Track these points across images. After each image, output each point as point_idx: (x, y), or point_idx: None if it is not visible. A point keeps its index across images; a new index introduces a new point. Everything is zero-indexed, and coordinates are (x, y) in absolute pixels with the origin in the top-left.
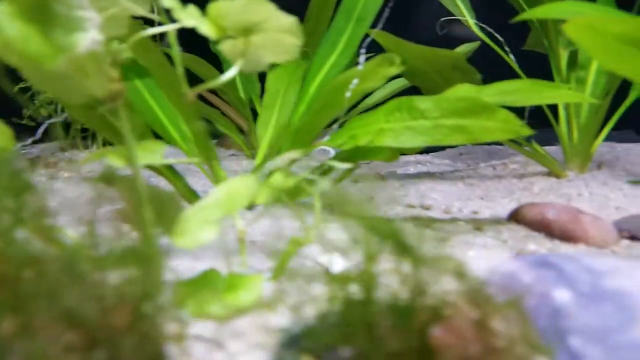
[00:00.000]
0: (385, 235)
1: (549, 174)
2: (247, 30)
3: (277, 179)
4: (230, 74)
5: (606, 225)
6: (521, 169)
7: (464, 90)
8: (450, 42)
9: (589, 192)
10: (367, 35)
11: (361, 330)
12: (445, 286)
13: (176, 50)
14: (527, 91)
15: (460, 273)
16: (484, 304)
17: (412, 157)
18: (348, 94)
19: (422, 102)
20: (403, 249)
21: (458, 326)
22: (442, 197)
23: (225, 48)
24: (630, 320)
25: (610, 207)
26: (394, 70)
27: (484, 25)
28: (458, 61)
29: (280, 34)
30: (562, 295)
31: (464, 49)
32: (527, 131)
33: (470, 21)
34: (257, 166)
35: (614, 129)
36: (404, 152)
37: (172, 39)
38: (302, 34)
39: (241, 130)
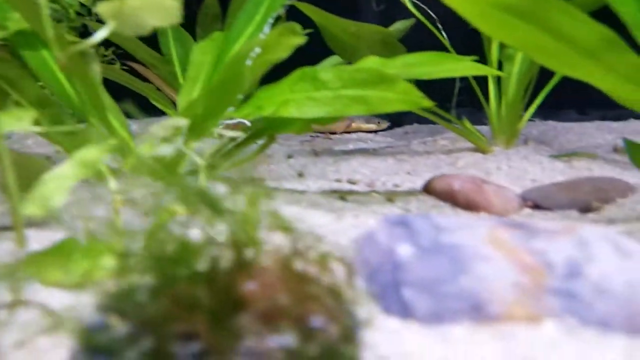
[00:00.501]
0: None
1: (476, 149)
2: None
3: (145, 148)
4: (100, 35)
5: (509, 194)
6: (450, 145)
7: (370, 62)
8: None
9: (509, 166)
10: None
11: (168, 283)
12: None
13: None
14: (430, 63)
15: (287, 229)
16: (305, 258)
17: (354, 135)
18: (249, 62)
19: (325, 73)
20: (216, 208)
21: (268, 278)
22: (370, 172)
23: (101, 9)
24: (459, 271)
25: (526, 179)
26: (298, 40)
27: (419, 3)
28: (386, 37)
29: None
30: (404, 250)
31: (399, 25)
32: (427, 103)
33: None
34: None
35: (558, 108)
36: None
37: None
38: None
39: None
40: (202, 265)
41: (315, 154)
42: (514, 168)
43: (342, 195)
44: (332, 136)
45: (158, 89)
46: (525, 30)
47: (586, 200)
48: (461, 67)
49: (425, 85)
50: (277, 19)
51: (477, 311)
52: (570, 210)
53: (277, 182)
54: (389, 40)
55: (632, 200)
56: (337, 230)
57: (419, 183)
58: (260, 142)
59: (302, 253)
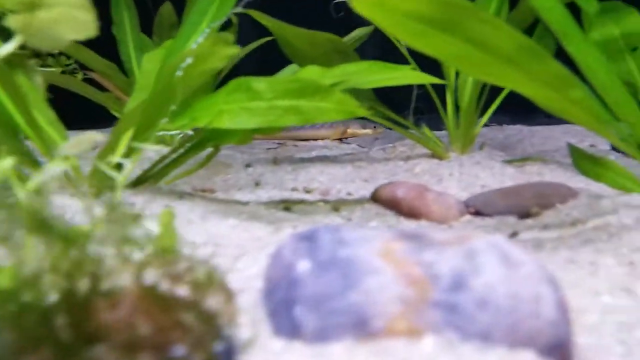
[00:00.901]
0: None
1: (433, 155)
2: (31, 5)
3: (56, 163)
4: (5, 49)
5: (450, 201)
6: (408, 152)
7: (309, 72)
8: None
9: (460, 172)
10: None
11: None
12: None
13: None
14: (367, 72)
15: (168, 252)
16: (180, 281)
17: (320, 142)
18: (179, 73)
19: (258, 83)
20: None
21: (131, 306)
22: (328, 180)
23: (10, 22)
24: (349, 286)
25: (477, 185)
26: (232, 50)
27: None
28: (339, 45)
29: (71, 10)
30: (302, 266)
31: (357, 33)
32: (362, 112)
33: None
34: (105, 149)
35: (529, 111)
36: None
37: None
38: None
39: None
40: (54, 294)
41: (275, 162)
42: (466, 174)
43: (288, 205)
44: (298, 143)
45: (118, 99)
46: (443, 39)
47: (526, 206)
48: (399, 75)
49: (384, 93)
50: (227, 27)
51: (361, 327)
52: (509, 216)
53: (228, 193)
54: (343, 49)
55: (570, 206)
56: (271, 242)
57: (372, 190)
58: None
59: (178, 277)
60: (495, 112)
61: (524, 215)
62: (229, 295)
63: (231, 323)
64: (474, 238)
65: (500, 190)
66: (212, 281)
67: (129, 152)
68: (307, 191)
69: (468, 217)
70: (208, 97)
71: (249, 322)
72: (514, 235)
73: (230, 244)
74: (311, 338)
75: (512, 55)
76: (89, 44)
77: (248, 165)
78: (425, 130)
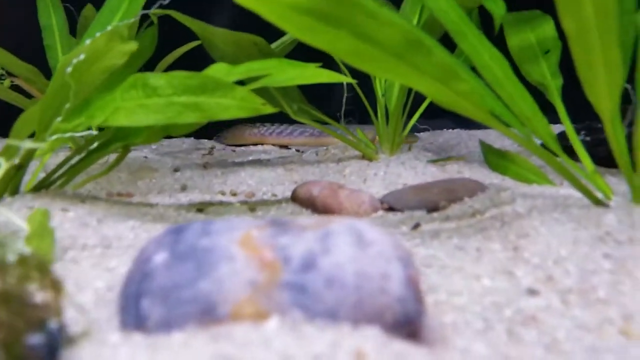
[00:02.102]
0: None
1: (363, 157)
2: None
3: None
4: None
5: (361, 198)
6: (340, 154)
7: (215, 70)
8: None
9: (385, 172)
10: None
11: None
12: None
13: None
14: (275, 70)
15: None
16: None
17: (260, 147)
18: (68, 69)
19: (156, 79)
20: None
21: None
22: (256, 183)
23: None
24: (201, 275)
25: (398, 183)
26: (131, 47)
27: None
28: (264, 47)
29: None
30: (158, 258)
31: (289, 37)
32: (268, 109)
33: None
34: (3, 152)
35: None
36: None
37: None
38: None
39: None
40: None
41: (205, 166)
42: (390, 174)
43: (203, 207)
44: (237, 148)
45: None
46: (331, 34)
47: (434, 201)
48: (306, 74)
49: (320, 95)
50: (144, 27)
51: (207, 314)
52: (418, 211)
53: (145, 197)
54: (268, 51)
55: (476, 199)
56: None
57: None
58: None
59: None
60: (438, 116)
61: (432, 209)
62: (58, 290)
63: (58, 317)
64: (334, 222)
65: (413, 187)
66: (44, 277)
67: (29, 155)
68: (233, 194)
69: (381, 212)
70: (106, 94)
71: (98, 317)
72: (416, 226)
73: (122, 245)
74: (155, 329)
75: (399, 48)
76: (17, 49)
77: (176, 170)
78: (359, 132)
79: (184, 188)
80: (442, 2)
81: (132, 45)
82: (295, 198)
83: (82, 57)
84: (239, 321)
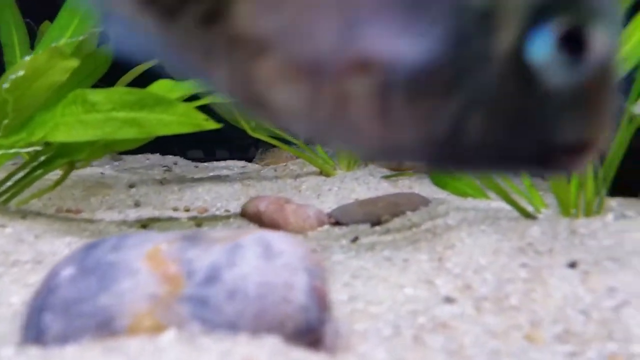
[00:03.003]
0: None
1: (321, 173)
2: None
3: None
4: None
5: (307, 213)
6: (299, 170)
7: (158, 86)
8: None
9: (339, 187)
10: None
11: None
12: None
13: None
14: None
15: None
16: None
17: (222, 163)
18: (5, 85)
19: (95, 95)
20: None
21: None
22: (212, 198)
23: None
24: (104, 288)
25: (350, 198)
26: (72, 63)
27: None
28: None
29: None
30: (65, 273)
31: None
32: (211, 125)
33: None
34: None
35: None
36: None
37: None
38: None
39: None
40: None
41: (162, 182)
42: (343, 189)
43: (147, 223)
44: (200, 164)
45: None
46: None
47: (379, 215)
48: None
49: None
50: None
51: (104, 327)
52: (363, 224)
53: (94, 213)
54: None
55: (417, 213)
56: None
57: None
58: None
59: None
60: None
61: (376, 222)
62: None
63: None
64: (245, 235)
65: (360, 201)
66: None
67: None
68: (186, 210)
69: (327, 226)
70: (48, 111)
71: (3, 331)
72: (355, 240)
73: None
74: (52, 342)
75: None
76: None
77: (132, 186)
78: (318, 148)
79: (137, 204)
80: None
81: (73, 63)
82: (244, 213)
83: (20, 73)
84: (136, 334)
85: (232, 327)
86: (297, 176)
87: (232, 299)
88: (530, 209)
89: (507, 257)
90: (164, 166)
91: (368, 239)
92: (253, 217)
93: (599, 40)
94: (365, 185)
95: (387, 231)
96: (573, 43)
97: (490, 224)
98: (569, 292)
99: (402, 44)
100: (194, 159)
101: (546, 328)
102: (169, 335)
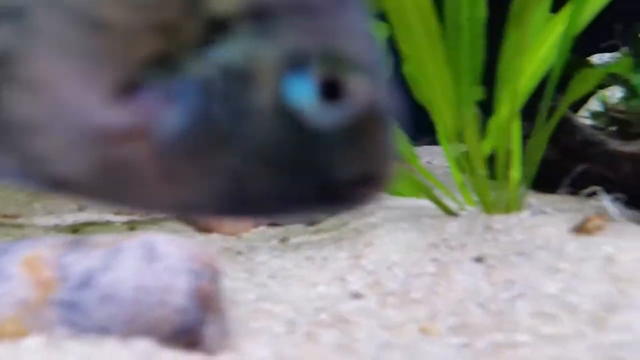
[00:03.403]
0: None
1: None
2: None
3: None
4: None
5: None
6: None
7: None
8: None
9: None
10: None
11: None
12: None
13: None
14: None
15: None
16: None
17: None
18: None
19: None
20: None
21: None
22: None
23: None
24: None
25: None
26: None
27: None
28: None
29: None
30: None
31: None
32: None
33: None
34: None
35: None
36: None
37: None
38: None
39: None
40: None
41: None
42: None
43: (80, 227)
44: None
45: None
46: None
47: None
48: None
49: None
50: None
51: None
52: (299, 224)
53: (31, 218)
54: None
55: (350, 213)
56: None
57: None
58: None
59: None
60: None
61: (311, 222)
62: None
63: None
64: (130, 239)
65: None
66: None
67: None
68: (130, 214)
69: (262, 227)
70: None
71: None
72: (284, 240)
73: None
74: None
75: None
76: None
77: None
78: None
79: (81, 208)
80: None
81: None
82: (181, 217)
83: None
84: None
85: (103, 331)
86: None
87: (104, 303)
88: (454, 206)
89: (419, 253)
90: None
91: (298, 239)
92: (189, 220)
93: (357, 85)
94: None
95: (318, 231)
96: (332, 89)
97: (413, 221)
98: (471, 286)
99: (159, 109)
100: None
101: (443, 320)
102: (33, 340)
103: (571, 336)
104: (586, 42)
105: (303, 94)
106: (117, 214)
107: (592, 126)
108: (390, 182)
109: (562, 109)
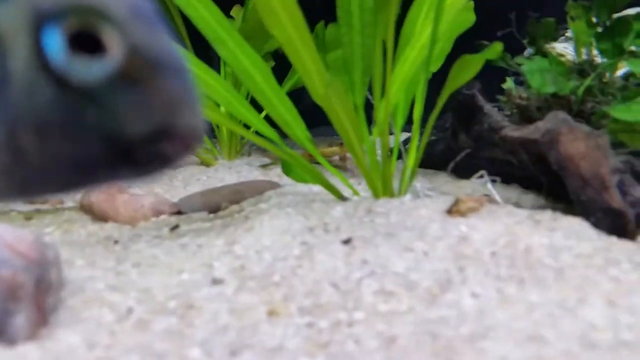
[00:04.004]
0: None
1: (202, 163)
2: None
3: None
4: None
5: (140, 202)
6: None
7: None
8: None
9: (208, 177)
10: None
11: None
12: None
13: None
14: None
15: None
16: None
17: None
18: None
19: None
20: None
21: None
22: (79, 193)
23: None
24: None
25: (212, 185)
26: None
27: None
28: None
29: None
30: None
31: None
32: None
33: None
34: None
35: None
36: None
37: None
38: None
39: None
40: None
41: None
42: (213, 178)
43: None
44: None
45: None
46: None
47: (219, 202)
48: None
49: None
50: None
51: None
52: (202, 212)
53: None
54: None
55: (251, 200)
56: None
57: None
58: None
59: None
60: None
61: (214, 210)
62: None
63: None
64: None
65: (204, 191)
66: None
67: None
68: (42, 203)
69: (164, 216)
70: None
71: None
72: (174, 228)
73: None
74: None
75: None
76: None
77: None
78: (205, 139)
79: None
80: (202, 10)
81: None
82: (80, 205)
83: None
84: None
85: None
86: (177, 166)
87: None
88: (347, 193)
89: (292, 237)
90: None
91: (190, 227)
92: (87, 208)
93: (114, 35)
94: (237, 174)
95: (215, 217)
96: (87, 42)
97: (303, 207)
98: (330, 267)
99: None
100: None
101: (298, 302)
102: None
103: (403, 313)
104: (483, 31)
105: (56, 50)
106: (32, 202)
107: (505, 114)
108: (197, 135)
109: (443, 97)
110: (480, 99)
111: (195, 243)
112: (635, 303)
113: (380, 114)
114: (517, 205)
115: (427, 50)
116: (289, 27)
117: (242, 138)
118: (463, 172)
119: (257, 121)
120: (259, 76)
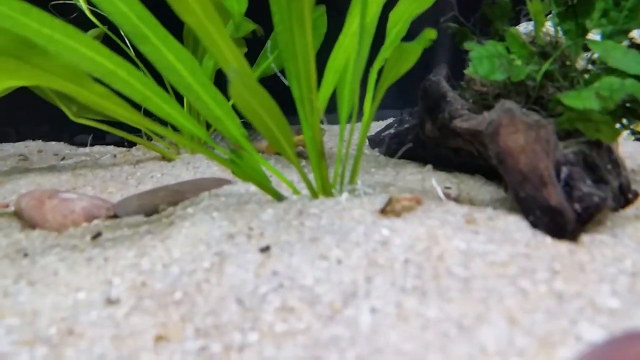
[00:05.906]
0: None
1: (163, 158)
2: None
3: None
4: None
5: (70, 208)
6: (142, 155)
7: None
8: None
9: (162, 174)
10: None
11: None
12: None
13: None
14: None
15: None
16: None
17: (88, 149)
18: None
19: None
20: None
21: None
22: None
23: None
24: None
25: (166, 183)
26: None
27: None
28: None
29: None
30: None
31: (91, 33)
32: None
33: (84, 5)
34: None
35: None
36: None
37: None
38: None
39: None
40: None
41: None
42: (168, 175)
43: None
44: (61, 152)
45: None
46: None
47: (156, 204)
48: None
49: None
50: None
51: None
52: (137, 216)
53: None
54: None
55: (186, 202)
56: None
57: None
58: None
59: None
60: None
61: (152, 213)
62: None
63: None
64: None
65: (141, 192)
66: None
67: None
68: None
69: (97, 221)
70: None
71: None
72: (96, 236)
73: None
74: None
75: (13, 50)
76: None
77: None
78: (163, 132)
79: None
80: (121, 5)
81: None
82: (15, 210)
83: None
84: None
85: None
86: (138, 162)
87: None
88: (287, 193)
89: (206, 247)
90: (21, 155)
91: (114, 234)
92: (19, 213)
93: None
94: (194, 170)
95: (144, 223)
96: None
97: (233, 210)
98: (239, 281)
99: None
100: (81, 144)
101: (195, 322)
102: None
103: (299, 333)
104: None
105: None
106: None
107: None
108: None
109: (382, 88)
110: (444, 86)
111: (103, 256)
112: (536, 321)
113: (307, 107)
114: (472, 199)
115: (358, 37)
116: (198, 12)
117: (208, 129)
118: (433, 163)
119: (181, 118)
120: (186, 71)
